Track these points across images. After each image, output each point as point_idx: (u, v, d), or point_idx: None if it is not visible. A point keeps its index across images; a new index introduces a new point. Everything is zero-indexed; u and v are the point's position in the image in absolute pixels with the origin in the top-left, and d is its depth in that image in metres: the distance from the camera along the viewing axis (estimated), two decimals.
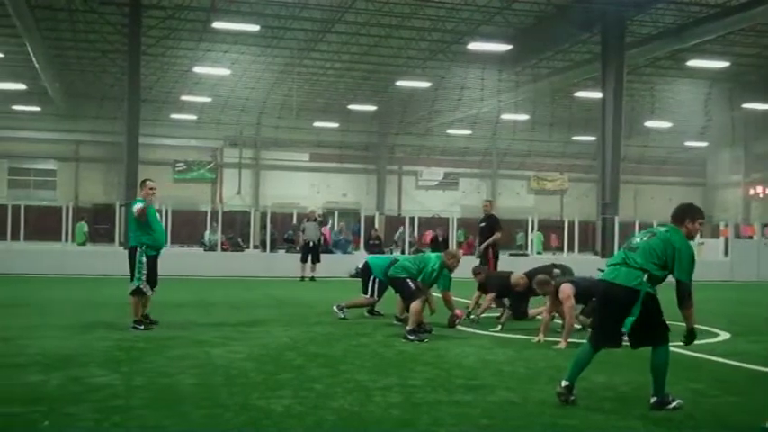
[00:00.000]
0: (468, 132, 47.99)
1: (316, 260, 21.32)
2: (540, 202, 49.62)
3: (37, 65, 32.06)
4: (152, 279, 10.85)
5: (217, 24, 28.07)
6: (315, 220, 21.91)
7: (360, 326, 11.74)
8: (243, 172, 47.89)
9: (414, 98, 43.43)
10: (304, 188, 47.06)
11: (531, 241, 28.87)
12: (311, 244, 21.27)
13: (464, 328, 11.63)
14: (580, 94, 37.19)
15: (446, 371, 8.20)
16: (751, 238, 29.59)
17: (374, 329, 11.33)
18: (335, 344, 9.88)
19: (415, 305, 10.46)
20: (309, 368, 8.15)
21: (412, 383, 7.45)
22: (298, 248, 23.06)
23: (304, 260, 21.33)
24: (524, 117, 44.74)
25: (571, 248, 26.74)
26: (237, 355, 8.80)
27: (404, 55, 35.18)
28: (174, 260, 18.53)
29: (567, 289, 9.96)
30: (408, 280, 10.79)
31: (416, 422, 6.08)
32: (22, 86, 37.37)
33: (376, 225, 33.03)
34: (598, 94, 29.95)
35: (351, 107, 43.73)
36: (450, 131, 47.86)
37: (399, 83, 37.34)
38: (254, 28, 28.91)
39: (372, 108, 44.11)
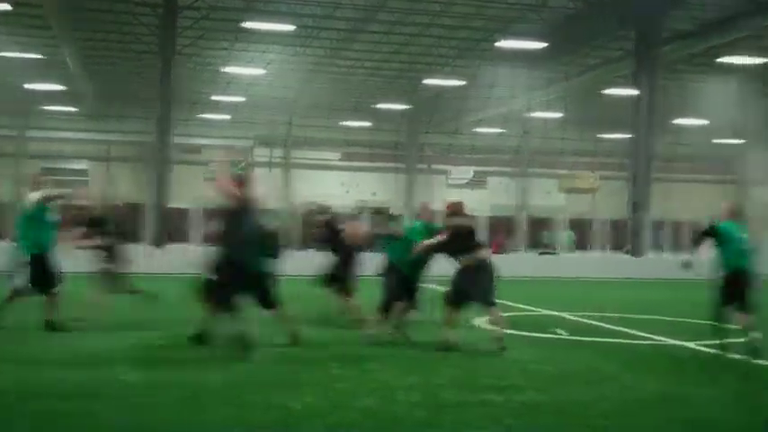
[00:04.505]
0: (498, 131, 47.74)
1: None
2: (571, 200, 49.21)
3: (71, 65, 32.38)
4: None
5: (250, 24, 28.15)
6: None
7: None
8: (274, 171, 48.06)
9: (443, 96, 43.30)
10: (334, 187, 47.05)
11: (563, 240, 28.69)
12: None
13: (492, 327, 11.53)
14: (612, 91, 36.77)
15: (472, 371, 8.14)
16: None
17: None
18: (359, 342, 9.86)
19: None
20: (333, 367, 8.12)
21: (437, 383, 7.40)
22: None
23: None
24: (555, 115, 44.35)
25: (602, 247, 26.52)
26: (261, 354, 8.80)
27: (434, 53, 35.04)
28: None
29: None
30: None
31: (440, 422, 6.03)
32: (55, 87, 37.78)
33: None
34: (631, 92, 29.61)
35: (381, 106, 43.69)
36: (480, 130, 47.60)
37: (429, 81, 37.21)
38: (289, 28, 28.90)
39: (402, 107, 44.03)
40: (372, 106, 43.98)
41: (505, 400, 6.73)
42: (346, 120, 45.65)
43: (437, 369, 8.12)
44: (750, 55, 31.61)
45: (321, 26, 30.97)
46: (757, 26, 27.77)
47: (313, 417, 6.04)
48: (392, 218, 12.80)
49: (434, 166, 50.03)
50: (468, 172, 49.88)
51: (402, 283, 9.92)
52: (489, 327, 10.35)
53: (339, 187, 47.40)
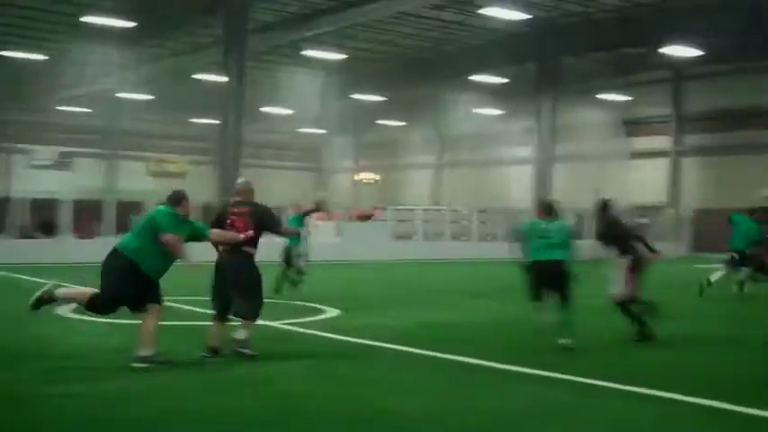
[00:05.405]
0: (87, 110, 45.82)
1: None
2: (161, 184, 48.83)
3: None
4: None
5: None
6: None
7: None
8: None
9: (27, 71, 40.38)
10: None
11: None
12: None
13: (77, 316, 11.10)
14: (202, 76, 37.21)
15: (53, 360, 7.78)
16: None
17: None
18: None
19: None
20: None
21: (19, 377, 6.98)
22: None
23: None
24: (146, 97, 43.77)
25: None
26: None
27: (14, 24, 32.58)
28: None
29: None
30: None
31: (16, 420, 5.71)
32: None
33: None
34: (220, 78, 30.22)
35: None
36: (67, 108, 45.29)
37: (8, 53, 34.55)
38: None
39: None
40: None
41: (90, 390, 6.54)
42: None
43: (23, 363, 7.62)
44: (332, 50, 33.95)
45: None
46: (338, 23, 30.06)
47: None
48: None
49: (16, 146, 46.56)
50: (53, 152, 47.16)
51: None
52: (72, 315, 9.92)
53: None
